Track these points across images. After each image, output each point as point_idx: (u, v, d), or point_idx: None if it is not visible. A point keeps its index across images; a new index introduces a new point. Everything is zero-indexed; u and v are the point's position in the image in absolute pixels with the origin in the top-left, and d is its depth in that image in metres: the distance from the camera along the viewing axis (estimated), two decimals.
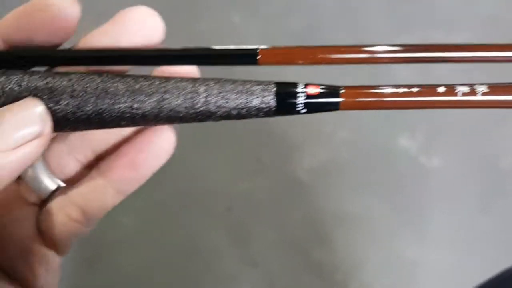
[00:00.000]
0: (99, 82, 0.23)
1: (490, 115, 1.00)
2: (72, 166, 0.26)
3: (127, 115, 0.23)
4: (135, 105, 0.23)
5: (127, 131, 0.26)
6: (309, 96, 0.23)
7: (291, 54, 0.23)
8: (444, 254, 0.94)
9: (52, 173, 0.26)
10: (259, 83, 0.23)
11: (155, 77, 0.23)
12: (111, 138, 0.26)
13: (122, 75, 0.23)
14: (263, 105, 0.23)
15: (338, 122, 1.04)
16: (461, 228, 0.96)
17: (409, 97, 0.22)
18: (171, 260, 0.95)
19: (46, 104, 0.22)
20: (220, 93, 0.23)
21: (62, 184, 0.26)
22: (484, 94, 0.22)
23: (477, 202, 0.97)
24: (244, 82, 0.23)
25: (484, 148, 1.01)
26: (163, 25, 0.25)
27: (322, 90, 0.23)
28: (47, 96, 0.22)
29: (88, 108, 0.22)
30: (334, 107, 0.23)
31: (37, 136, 0.21)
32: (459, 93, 0.22)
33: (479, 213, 0.96)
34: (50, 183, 0.26)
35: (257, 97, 0.23)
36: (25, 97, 0.22)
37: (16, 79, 0.23)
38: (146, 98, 0.23)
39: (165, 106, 0.23)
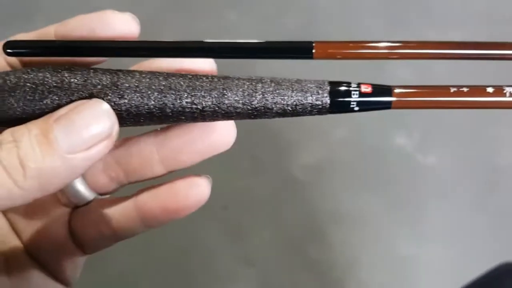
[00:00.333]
0: (162, 79, 0.24)
1: (486, 113, 1.01)
2: (103, 182, 0.27)
3: (188, 110, 0.23)
4: (196, 101, 0.23)
5: (158, 171, 0.27)
6: (362, 95, 0.23)
7: (345, 48, 0.24)
8: (440, 251, 0.95)
9: (88, 185, 0.27)
10: (314, 81, 0.24)
11: (214, 76, 0.24)
12: (145, 154, 0.27)
13: (184, 74, 0.24)
14: (318, 103, 0.24)
15: (334, 120, 1.05)
16: (457, 225, 0.97)
17: (460, 97, 0.22)
18: (167, 259, 0.95)
19: (111, 99, 0.23)
20: (276, 90, 0.24)
21: (99, 197, 0.28)
22: None
23: (473, 199, 0.98)
24: (299, 80, 0.24)
25: (480, 146, 1.02)
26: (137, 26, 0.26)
27: (375, 89, 0.23)
28: (111, 91, 0.23)
29: (151, 103, 0.23)
30: (386, 105, 0.23)
31: (107, 137, 0.21)
32: (508, 94, 0.22)
33: (475, 210, 0.97)
34: (86, 193, 0.27)
35: (312, 95, 0.23)
36: (91, 92, 0.23)
37: (80, 75, 0.23)
38: (206, 94, 0.23)
39: (224, 102, 0.23)
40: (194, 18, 1.19)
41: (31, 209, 0.27)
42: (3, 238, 0.27)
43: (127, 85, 0.23)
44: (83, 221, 0.27)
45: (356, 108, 0.23)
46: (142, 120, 0.24)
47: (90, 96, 0.23)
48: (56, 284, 0.28)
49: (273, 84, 0.24)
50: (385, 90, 0.23)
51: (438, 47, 0.23)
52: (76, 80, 0.23)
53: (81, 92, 0.23)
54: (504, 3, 1.16)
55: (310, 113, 0.24)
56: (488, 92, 0.22)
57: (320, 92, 0.24)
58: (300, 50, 0.24)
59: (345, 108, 0.24)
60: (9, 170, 0.20)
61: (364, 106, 0.23)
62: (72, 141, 0.20)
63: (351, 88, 0.23)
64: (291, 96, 0.24)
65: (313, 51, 0.24)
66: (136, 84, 0.23)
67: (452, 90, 0.22)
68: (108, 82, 0.23)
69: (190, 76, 0.24)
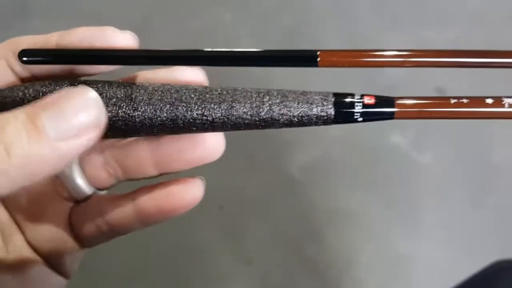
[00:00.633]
0: (174, 92, 0.25)
1: None
2: (102, 177, 0.28)
3: (198, 121, 0.24)
4: (206, 113, 0.24)
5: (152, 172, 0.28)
6: (365, 106, 0.24)
7: (350, 57, 0.25)
8: (436, 249, 0.95)
9: (87, 179, 0.28)
10: (318, 93, 0.25)
11: (223, 88, 0.25)
12: (141, 156, 0.28)
13: (194, 86, 0.25)
14: (323, 114, 0.24)
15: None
16: (453, 223, 0.97)
17: (460, 107, 0.23)
18: (164, 258, 0.95)
19: (125, 111, 0.24)
20: (282, 102, 0.24)
21: (98, 192, 0.29)
22: None
23: (469, 197, 0.98)
24: (305, 92, 0.25)
25: (476, 143, 1.02)
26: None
27: (377, 100, 0.24)
28: (125, 103, 0.24)
29: (163, 115, 0.24)
30: (389, 116, 0.24)
31: (95, 125, 0.21)
32: (506, 104, 0.23)
33: (471, 207, 0.97)
34: (85, 187, 0.28)
35: (317, 107, 0.24)
36: (106, 104, 0.24)
37: (96, 88, 0.24)
38: (216, 106, 0.24)
39: (233, 114, 0.24)
40: (189, 17, 1.19)
41: (32, 202, 0.28)
42: (4, 231, 0.28)
43: (140, 98, 0.24)
44: (82, 216, 0.28)
45: (360, 119, 0.24)
46: (155, 131, 0.25)
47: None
48: (56, 276, 0.28)
49: (279, 96, 0.25)
50: (388, 101, 0.24)
51: (445, 55, 0.24)
52: None
53: None
54: (498, 1, 1.16)
55: (316, 123, 0.25)
56: (488, 103, 0.23)
57: (325, 104, 0.24)
58: (305, 58, 0.25)
59: (349, 119, 0.24)
60: None
61: (368, 117, 0.24)
62: (60, 128, 0.20)
63: (354, 100, 0.24)
64: (297, 108, 0.25)
65: (318, 59, 0.24)
66: (149, 97, 0.24)
67: (453, 101, 0.23)
68: (122, 95, 0.24)
69: (201, 89, 0.25)
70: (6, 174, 0.19)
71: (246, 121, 0.25)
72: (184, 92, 0.25)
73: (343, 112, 0.24)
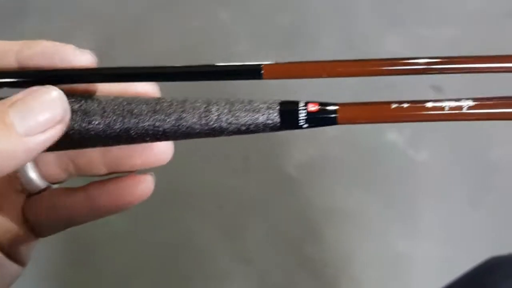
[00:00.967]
0: (126, 105, 0.26)
1: None
2: (55, 172, 0.30)
3: (151, 132, 0.26)
4: (157, 123, 0.26)
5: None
6: (309, 113, 0.25)
7: (293, 69, 0.26)
8: (434, 247, 0.95)
9: (40, 173, 0.30)
10: (265, 101, 0.26)
11: (173, 99, 0.26)
12: (92, 156, 0.29)
13: (145, 98, 0.26)
14: (269, 121, 0.26)
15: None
16: (451, 221, 0.97)
17: (401, 111, 0.24)
18: (163, 258, 0.95)
19: (80, 124, 0.25)
20: (230, 111, 0.26)
21: (51, 186, 0.30)
22: (470, 108, 0.24)
23: (466, 194, 0.98)
24: (251, 101, 0.26)
25: (473, 141, 1.02)
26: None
27: (320, 107, 0.25)
28: (80, 117, 0.25)
29: (116, 127, 0.26)
30: (333, 121, 0.25)
31: (60, 121, 0.23)
32: (446, 108, 0.24)
33: (468, 205, 0.98)
34: (38, 181, 0.29)
35: (263, 115, 0.26)
36: None
37: None
38: (166, 117, 0.26)
39: (182, 124, 0.26)
40: (186, 17, 1.19)
41: None
42: None
43: (94, 111, 0.26)
44: (35, 208, 0.29)
45: (305, 125, 0.26)
46: (110, 142, 0.26)
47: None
48: (12, 264, 0.29)
49: (227, 106, 0.26)
50: (330, 107, 0.25)
51: (386, 65, 0.25)
52: None
53: None
54: (497, 0, 1.16)
55: (263, 130, 0.26)
56: (428, 107, 0.24)
57: (270, 112, 0.26)
58: (249, 72, 0.26)
59: (295, 125, 0.26)
60: None
61: (312, 123, 0.25)
62: (28, 124, 0.22)
63: (299, 107, 0.25)
64: (244, 117, 0.26)
65: (262, 72, 0.26)
66: (103, 110, 0.26)
67: (393, 106, 0.24)
68: (76, 108, 0.25)
69: (152, 101, 0.26)
70: None
71: (197, 130, 0.26)
72: (136, 105, 0.26)
73: (288, 119, 0.26)
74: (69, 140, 0.25)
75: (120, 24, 1.19)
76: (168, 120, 0.26)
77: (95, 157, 0.29)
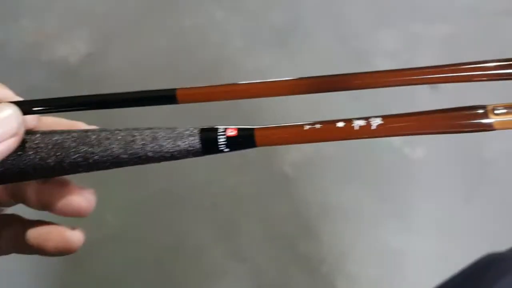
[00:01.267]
0: (57, 137, 0.28)
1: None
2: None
3: (82, 163, 0.27)
4: (87, 155, 0.27)
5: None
6: (228, 138, 0.27)
7: (206, 93, 0.28)
8: (429, 243, 0.96)
9: None
10: (187, 129, 0.27)
11: (102, 131, 0.28)
12: (25, 200, 0.31)
13: (76, 131, 0.28)
14: (191, 148, 0.27)
15: (321, 115, 1.04)
16: (446, 217, 0.98)
17: (314, 132, 0.26)
18: (158, 257, 0.95)
19: (15, 159, 0.27)
20: (153, 140, 0.27)
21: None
22: (379, 125, 0.25)
23: (461, 191, 0.99)
24: (175, 129, 0.28)
25: (467, 138, 1.02)
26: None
27: (238, 132, 0.27)
28: (15, 152, 0.27)
29: (50, 160, 0.27)
30: (251, 144, 0.27)
31: (14, 134, 0.26)
32: (356, 126, 0.25)
33: (463, 201, 0.98)
34: None
35: (185, 142, 0.27)
36: None
37: None
38: (94, 150, 0.27)
39: (110, 155, 0.27)
40: (180, 16, 1.18)
41: None
42: None
43: (29, 146, 0.28)
44: None
45: (226, 150, 0.27)
46: (46, 174, 0.28)
47: None
48: None
49: (151, 135, 0.27)
50: (248, 132, 0.26)
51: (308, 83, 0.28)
52: None
53: None
54: None
55: (187, 156, 0.28)
56: (339, 127, 0.25)
57: (191, 139, 0.27)
58: (164, 98, 0.28)
59: (216, 150, 0.27)
60: None
61: (232, 147, 0.27)
62: None
63: (218, 133, 0.27)
64: (168, 145, 0.27)
65: (176, 97, 0.27)
66: (36, 145, 0.28)
67: (307, 127, 0.26)
68: None
69: (81, 135, 0.28)
70: None
71: (125, 160, 0.27)
72: (67, 138, 0.28)
73: (209, 145, 0.27)
74: (3, 175, 0.27)
75: (115, 24, 1.18)
76: (96, 152, 0.27)
77: (29, 195, 0.30)
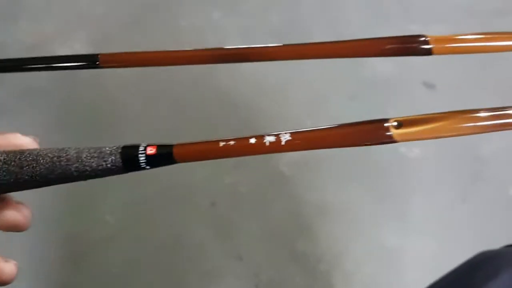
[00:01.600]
0: None
1: (469, 104, 1.01)
2: None
3: (11, 183, 0.28)
4: (18, 176, 0.28)
5: None
6: (148, 156, 0.27)
7: (128, 59, 0.29)
8: (426, 242, 0.96)
9: None
10: (110, 147, 0.28)
11: (31, 152, 0.29)
12: None
13: (7, 152, 0.29)
14: (114, 167, 0.28)
15: (318, 114, 1.05)
16: (442, 216, 0.98)
17: (228, 148, 0.27)
18: (156, 256, 0.95)
19: None
20: (78, 160, 0.28)
21: None
22: (287, 141, 0.27)
23: (457, 190, 0.99)
24: (99, 148, 0.28)
25: (462, 137, 1.02)
26: None
27: (157, 150, 0.28)
28: None
29: None
30: (171, 161, 0.27)
31: None
32: (267, 142, 0.27)
33: (460, 200, 0.98)
34: None
35: (107, 161, 0.28)
36: None
37: None
38: (23, 171, 0.28)
39: (37, 174, 0.28)
40: (178, 17, 1.18)
41: None
42: None
43: None
44: None
45: (147, 167, 0.28)
46: None
47: None
48: None
49: (76, 155, 0.28)
50: (167, 149, 0.27)
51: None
52: None
53: None
54: None
55: (111, 174, 0.28)
56: (251, 143, 0.27)
57: (113, 157, 0.28)
58: (87, 62, 0.29)
59: (137, 168, 0.28)
60: None
61: (153, 164, 0.28)
62: None
63: (138, 151, 0.28)
64: (91, 163, 0.28)
65: (98, 62, 0.28)
66: None
67: (221, 144, 0.27)
68: None
69: (9, 155, 0.29)
70: None
71: (53, 179, 0.28)
72: None
73: (130, 163, 0.28)
74: None
75: (113, 25, 1.18)
76: (23, 172, 0.28)
77: None
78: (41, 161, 0.28)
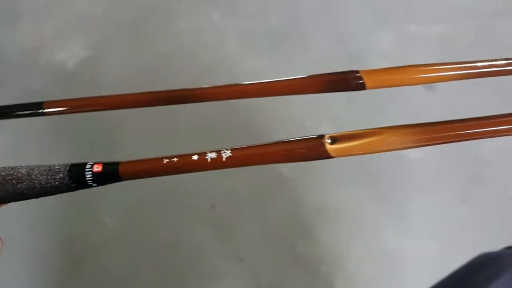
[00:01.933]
0: None
1: (468, 105, 1.02)
2: None
3: None
4: None
5: None
6: (94, 174, 0.28)
7: (75, 103, 0.31)
8: (426, 243, 0.96)
9: None
10: (59, 165, 0.29)
11: None
12: None
13: None
14: (62, 184, 0.28)
15: (318, 116, 1.05)
16: (443, 217, 0.98)
17: (172, 165, 0.27)
18: (157, 259, 0.95)
19: None
20: (28, 178, 0.28)
21: None
22: (228, 158, 0.27)
23: (458, 191, 0.99)
24: (49, 166, 0.29)
25: None
26: None
27: (103, 168, 0.28)
28: None
29: None
30: (117, 179, 0.28)
31: None
32: (209, 159, 0.27)
33: (460, 201, 0.98)
34: None
35: (56, 178, 0.28)
36: None
37: None
38: None
39: None
40: (177, 19, 1.18)
41: None
42: None
43: None
44: None
45: (94, 184, 0.28)
46: None
47: None
48: None
49: (27, 172, 0.28)
50: (112, 167, 0.28)
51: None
52: None
53: None
54: None
55: (61, 192, 0.28)
56: (194, 159, 0.27)
57: (61, 175, 0.28)
58: (31, 108, 0.31)
59: (85, 185, 0.28)
60: None
61: (99, 182, 0.28)
62: None
63: (85, 169, 0.28)
64: (41, 181, 0.28)
65: (43, 109, 0.30)
66: None
67: (165, 161, 0.27)
68: None
69: None
70: None
71: (6, 196, 0.28)
72: None
73: (77, 181, 0.28)
74: None
75: (112, 28, 1.18)
76: None
77: None
78: None
